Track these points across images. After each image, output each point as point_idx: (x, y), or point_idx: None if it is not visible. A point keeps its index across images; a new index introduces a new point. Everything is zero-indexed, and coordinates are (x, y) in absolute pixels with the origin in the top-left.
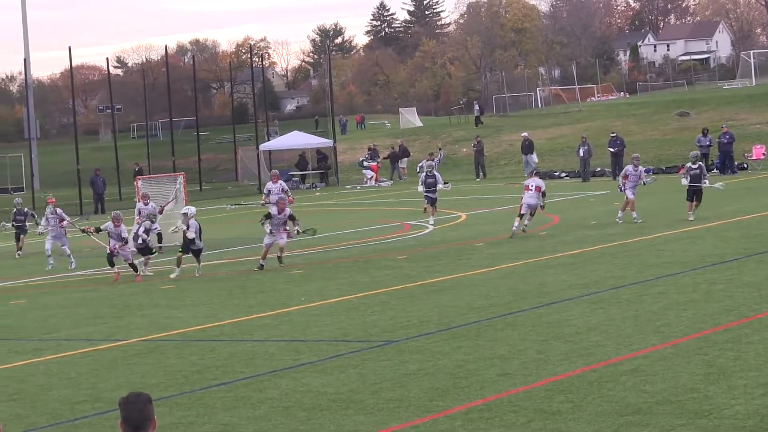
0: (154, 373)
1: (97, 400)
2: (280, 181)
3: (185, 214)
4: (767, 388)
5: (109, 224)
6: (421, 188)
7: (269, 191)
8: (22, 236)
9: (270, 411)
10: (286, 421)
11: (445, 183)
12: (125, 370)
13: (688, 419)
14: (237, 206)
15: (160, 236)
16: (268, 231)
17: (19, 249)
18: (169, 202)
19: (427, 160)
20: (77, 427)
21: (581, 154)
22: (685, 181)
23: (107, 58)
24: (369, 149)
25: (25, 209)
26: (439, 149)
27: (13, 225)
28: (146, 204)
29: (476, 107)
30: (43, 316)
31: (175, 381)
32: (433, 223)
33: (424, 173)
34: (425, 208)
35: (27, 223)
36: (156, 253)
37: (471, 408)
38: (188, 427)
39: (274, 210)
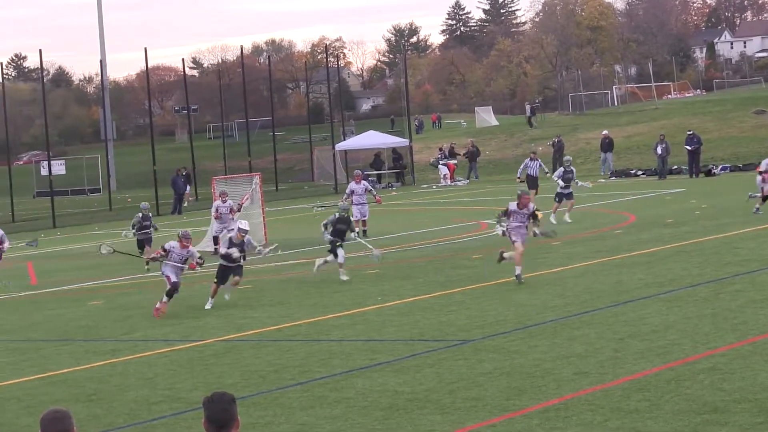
0: (230, 374)
1: (175, 401)
2: (364, 182)
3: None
4: None
5: (175, 244)
6: (560, 183)
7: (352, 191)
8: (147, 246)
9: (347, 410)
10: (363, 421)
11: (586, 182)
12: (202, 371)
13: (767, 417)
14: (323, 208)
15: None
16: (500, 232)
17: (147, 263)
18: (246, 197)
19: (531, 159)
20: (154, 427)
21: (659, 152)
22: None
23: (183, 59)
24: (440, 149)
25: (150, 214)
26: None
27: (134, 234)
28: (224, 202)
29: (528, 108)
30: (120, 317)
31: (251, 381)
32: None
33: (562, 168)
34: (556, 207)
35: (152, 231)
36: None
37: (548, 407)
38: (266, 427)
39: (513, 205)
